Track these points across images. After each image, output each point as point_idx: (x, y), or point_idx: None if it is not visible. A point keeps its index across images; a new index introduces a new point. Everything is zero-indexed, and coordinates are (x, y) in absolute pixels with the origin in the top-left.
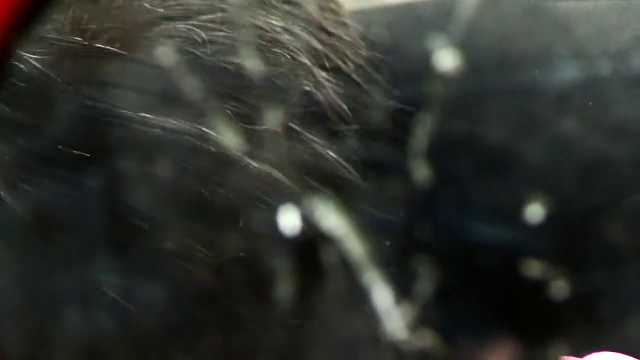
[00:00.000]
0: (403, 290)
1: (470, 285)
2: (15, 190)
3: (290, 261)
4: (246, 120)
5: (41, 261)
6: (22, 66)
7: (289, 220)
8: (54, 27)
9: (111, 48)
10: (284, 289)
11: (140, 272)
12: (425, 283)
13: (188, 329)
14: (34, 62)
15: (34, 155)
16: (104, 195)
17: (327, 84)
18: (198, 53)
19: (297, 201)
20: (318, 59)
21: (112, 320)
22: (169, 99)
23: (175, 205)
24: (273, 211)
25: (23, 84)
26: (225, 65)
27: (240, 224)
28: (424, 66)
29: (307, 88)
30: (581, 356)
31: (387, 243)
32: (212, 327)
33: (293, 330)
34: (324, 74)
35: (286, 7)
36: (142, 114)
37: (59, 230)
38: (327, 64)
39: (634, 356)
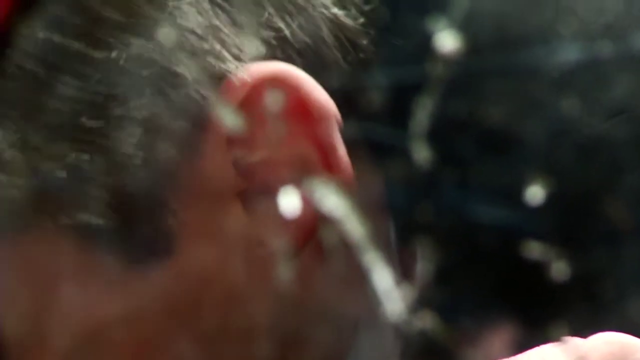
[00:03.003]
0: (403, 271)
1: (471, 267)
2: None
3: (291, 242)
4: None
5: None
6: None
7: (289, 201)
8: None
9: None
10: (285, 270)
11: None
12: (426, 264)
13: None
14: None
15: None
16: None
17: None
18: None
19: (297, 183)
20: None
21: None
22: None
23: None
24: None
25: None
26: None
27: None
28: (424, 48)
29: None
30: (582, 337)
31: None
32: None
33: (294, 311)
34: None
35: None
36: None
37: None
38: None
39: (634, 336)
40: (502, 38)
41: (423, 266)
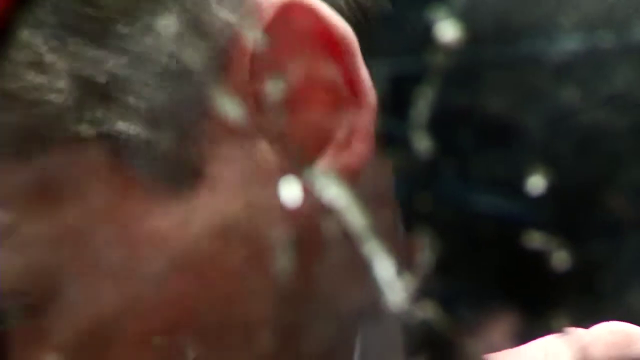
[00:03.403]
0: (404, 261)
1: (472, 257)
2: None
3: (291, 233)
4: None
5: None
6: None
7: (290, 192)
8: None
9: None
10: (285, 261)
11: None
12: (427, 254)
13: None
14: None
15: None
16: None
17: None
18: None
19: (298, 173)
20: None
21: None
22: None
23: None
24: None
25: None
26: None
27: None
28: (425, 37)
29: None
30: (584, 328)
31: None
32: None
33: (294, 303)
34: None
35: None
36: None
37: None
38: None
39: (636, 326)
40: (503, 28)
41: (424, 256)
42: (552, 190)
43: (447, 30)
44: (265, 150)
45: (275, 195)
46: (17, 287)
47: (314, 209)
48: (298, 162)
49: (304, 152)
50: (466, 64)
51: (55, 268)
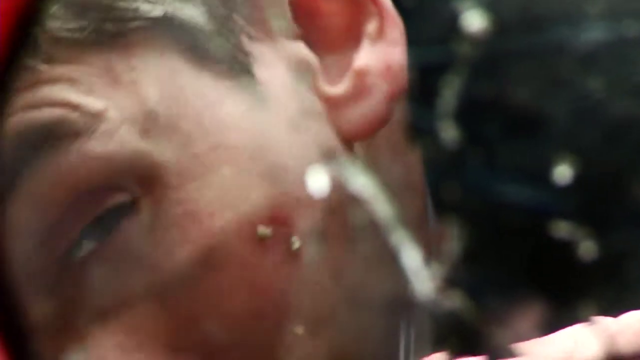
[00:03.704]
0: (433, 250)
1: (499, 246)
2: None
3: (319, 222)
4: None
5: None
6: None
7: (317, 181)
8: None
9: None
10: (314, 250)
11: None
12: (454, 244)
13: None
14: None
15: None
16: None
17: None
18: None
19: (326, 162)
20: None
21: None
22: None
23: None
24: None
25: None
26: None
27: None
28: (451, 27)
29: None
30: (611, 316)
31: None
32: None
33: (324, 292)
34: None
35: None
36: None
37: None
38: None
39: None
40: (529, 18)
41: (451, 246)
42: (579, 179)
43: (474, 20)
44: (305, 54)
45: (316, 101)
46: (114, 181)
47: (342, 199)
48: (336, 63)
49: (339, 44)
50: (493, 54)
51: (148, 155)
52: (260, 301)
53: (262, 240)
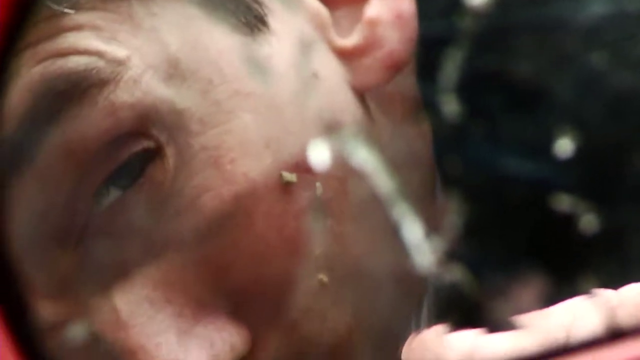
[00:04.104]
0: (433, 224)
1: (500, 220)
2: None
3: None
4: None
5: None
6: None
7: (319, 155)
8: None
9: None
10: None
11: None
12: (455, 217)
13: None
14: None
15: None
16: None
17: None
18: None
19: (327, 136)
20: None
21: None
22: None
23: None
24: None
25: None
26: None
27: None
28: (454, 1)
29: None
30: (612, 289)
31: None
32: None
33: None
34: None
35: None
36: None
37: None
38: None
39: None
40: None
41: (452, 219)
42: (581, 153)
43: None
44: (317, 7)
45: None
46: (139, 128)
47: (344, 172)
48: (347, 16)
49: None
50: (495, 28)
51: (171, 102)
52: (288, 248)
53: (287, 185)
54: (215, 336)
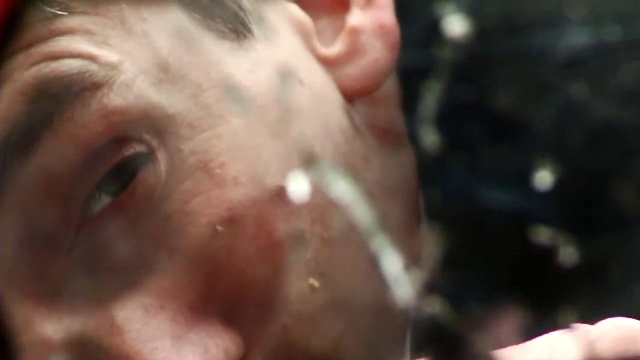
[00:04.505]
0: (415, 254)
1: (480, 251)
2: None
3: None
4: None
5: None
6: None
7: (298, 186)
8: None
9: None
10: (298, 254)
11: None
12: (435, 249)
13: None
14: None
15: None
16: None
17: None
18: None
19: (306, 167)
20: None
21: None
22: None
23: None
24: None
25: None
26: None
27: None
28: (433, 32)
29: None
30: (591, 323)
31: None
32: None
33: (309, 295)
34: None
35: None
36: None
37: None
38: None
39: None
40: (511, 22)
41: (432, 251)
42: (560, 184)
43: (455, 25)
44: (301, 15)
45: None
46: (130, 133)
47: (322, 204)
48: (329, 25)
49: (330, 7)
50: (474, 59)
51: (162, 107)
52: (278, 252)
53: (277, 189)
54: (209, 342)
